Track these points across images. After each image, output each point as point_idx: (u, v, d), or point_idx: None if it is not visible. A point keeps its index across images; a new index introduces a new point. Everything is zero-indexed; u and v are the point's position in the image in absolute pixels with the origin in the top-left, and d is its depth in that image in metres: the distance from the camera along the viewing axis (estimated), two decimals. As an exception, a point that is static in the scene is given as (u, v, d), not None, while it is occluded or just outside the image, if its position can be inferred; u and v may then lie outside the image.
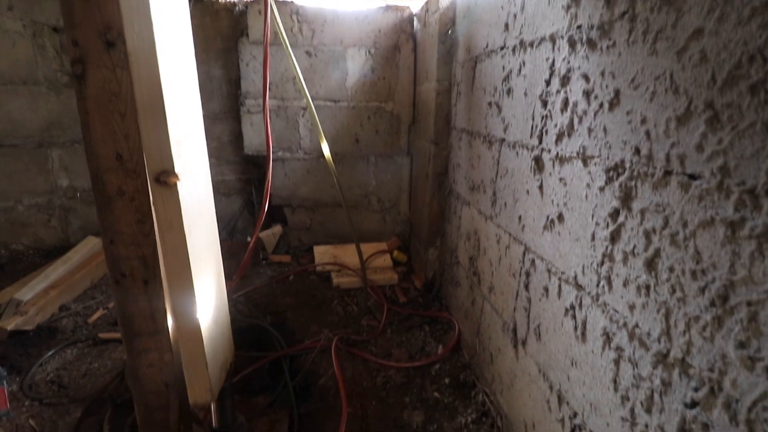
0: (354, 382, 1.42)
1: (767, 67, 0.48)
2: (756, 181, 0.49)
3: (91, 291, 1.92)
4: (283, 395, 1.34)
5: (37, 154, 2.16)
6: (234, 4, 2.14)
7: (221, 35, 2.18)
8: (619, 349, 0.73)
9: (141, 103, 0.72)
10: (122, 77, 0.87)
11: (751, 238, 0.50)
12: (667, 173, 0.63)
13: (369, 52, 2.18)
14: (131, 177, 0.92)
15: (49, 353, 1.52)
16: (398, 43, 2.18)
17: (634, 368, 0.70)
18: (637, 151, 0.69)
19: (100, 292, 1.92)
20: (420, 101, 2.14)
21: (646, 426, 0.67)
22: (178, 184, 0.72)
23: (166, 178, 0.72)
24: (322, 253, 2.27)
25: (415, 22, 2.16)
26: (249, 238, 2.47)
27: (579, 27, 0.84)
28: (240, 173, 2.42)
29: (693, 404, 0.58)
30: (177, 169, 0.72)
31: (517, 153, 1.14)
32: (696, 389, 0.58)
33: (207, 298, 0.87)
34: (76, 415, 1.28)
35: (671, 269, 0.62)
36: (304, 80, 1.75)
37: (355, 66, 2.19)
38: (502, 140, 1.24)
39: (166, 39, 0.74)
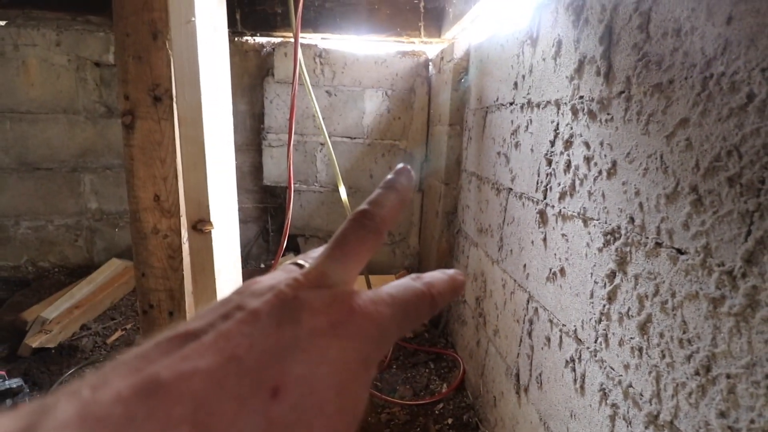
0: (359, 417, 1.44)
1: (742, 163, 0.54)
2: (734, 264, 0.54)
3: (111, 311, 2.00)
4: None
5: (71, 177, 2.29)
6: (262, 46, 2.29)
7: (248, 73, 2.32)
8: (614, 405, 0.77)
9: (186, 160, 0.80)
10: (165, 128, 0.97)
11: (730, 315, 0.55)
12: (658, 244, 0.68)
13: (386, 93, 2.29)
14: (166, 216, 1.01)
15: (69, 372, 1.59)
16: (414, 86, 2.30)
17: (628, 426, 0.73)
18: (632, 219, 0.75)
19: (119, 313, 1.99)
20: (432, 142, 2.23)
21: (639, 484, 0.70)
22: (212, 231, 0.80)
23: (203, 226, 0.80)
24: (332, 283, 2.33)
25: (431, 68, 2.28)
26: (262, 265, 2.55)
27: (581, 98, 0.92)
28: (257, 202, 2.52)
29: (681, 466, 0.62)
30: (212, 218, 0.80)
31: (523, 204, 1.20)
32: (683, 452, 0.61)
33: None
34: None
35: (661, 335, 0.66)
36: (323, 118, 1.85)
37: (372, 106, 2.30)
38: (510, 189, 1.31)
39: (210, 100, 0.83)
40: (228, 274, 0.93)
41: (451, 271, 0.25)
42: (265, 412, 0.15)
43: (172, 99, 0.95)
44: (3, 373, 1.39)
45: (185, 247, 1.00)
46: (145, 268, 1.02)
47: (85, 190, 2.30)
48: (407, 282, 0.22)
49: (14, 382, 1.35)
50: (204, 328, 0.17)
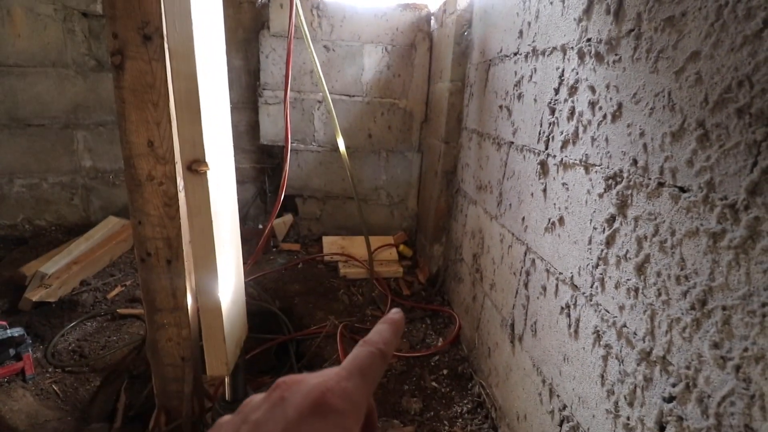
0: (357, 367, 1.48)
1: (753, 93, 0.53)
2: (737, 196, 0.54)
3: (110, 268, 2.01)
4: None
5: (63, 134, 2.24)
6: (257, -3, 2.19)
7: (243, 27, 2.24)
8: (608, 346, 0.78)
9: (178, 97, 0.77)
10: (157, 69, 0.93)
11: (730, 248, 0.54)
12: (660, 184, 0.67)
13: (386, 49, 2.22)
14: (161, 163, 0.99)
15: (71, 325, 1.61)
16: (415, 41, 2.22)
17: (620, 364, 0.75)
18: (635, 162, 0.73)
19: (118, 270, 2.00)
20: (433, 100, 2.18)
21: (628, 418, 0.72)
22: (208, 172, 0.78)
23: (198, 166, 0.78)
24: (330, 244, 2.34)
25: (432, 22, 2.20)
26: (260, 225, 2.55)
27: (588, 40, 0.88)
28: (254, 162, 2.49)
29: (671, 399, 0.63)
30: (207, 158, 0.78)
31: (524, 156, 1.19)
32: (674, 385, 0.63)
33: (227, 278, 0.93)
34: (95, 384, 1.37)
35: (659, 274, 0.67)
36: (321, 74, 1.80)
37: (372, 62, 2.24)
38: (511, 143, 1.29)
39: (202, 37, 0.80)
40: (225, 218, 0.92)
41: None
42: None
43: (163, 38, 0.91)
44: (4, 323, 1.41)
45: (182, 195, 0.99)
46: (141, 216, 1.01)
47: (78, 148, 2.26)
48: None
49: (16, 331, 1.36)
50: None
